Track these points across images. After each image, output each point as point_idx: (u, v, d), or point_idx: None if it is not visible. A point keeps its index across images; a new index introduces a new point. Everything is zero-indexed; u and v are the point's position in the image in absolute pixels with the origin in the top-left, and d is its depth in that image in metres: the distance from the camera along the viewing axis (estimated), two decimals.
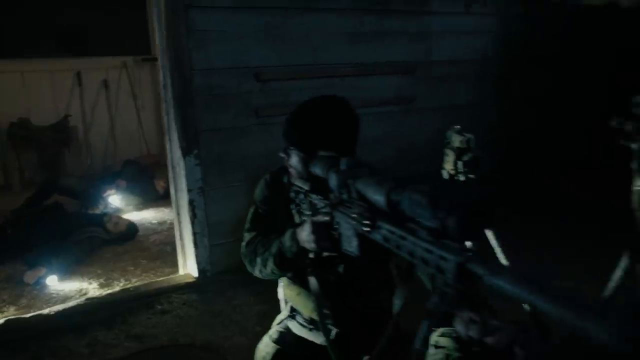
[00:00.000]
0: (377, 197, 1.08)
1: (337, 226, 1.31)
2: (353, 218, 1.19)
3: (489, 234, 2.20)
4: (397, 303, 1.36)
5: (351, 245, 1.26)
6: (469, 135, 2.10)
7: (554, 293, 0.68)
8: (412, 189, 0.95)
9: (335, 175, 1.27)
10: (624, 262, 2.11)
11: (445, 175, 2.16)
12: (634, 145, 2.01)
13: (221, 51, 3.03)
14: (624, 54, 5.06)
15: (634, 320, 0.58)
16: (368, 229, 1.12)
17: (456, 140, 2.12)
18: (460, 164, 2.08)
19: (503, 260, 2.24)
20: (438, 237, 0.90)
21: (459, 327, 1.04)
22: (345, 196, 1.25)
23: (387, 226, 1.05)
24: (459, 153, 2.10)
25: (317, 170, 1.38)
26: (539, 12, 4.67)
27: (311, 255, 1.51)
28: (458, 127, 2.15)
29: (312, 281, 1.51)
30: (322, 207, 1.41)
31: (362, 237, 1.19)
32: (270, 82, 3.23)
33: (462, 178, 2.09)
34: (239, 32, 3.06)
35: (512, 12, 4.47)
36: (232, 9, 3.02)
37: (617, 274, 2.11)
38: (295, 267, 1.58)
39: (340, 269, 1.58)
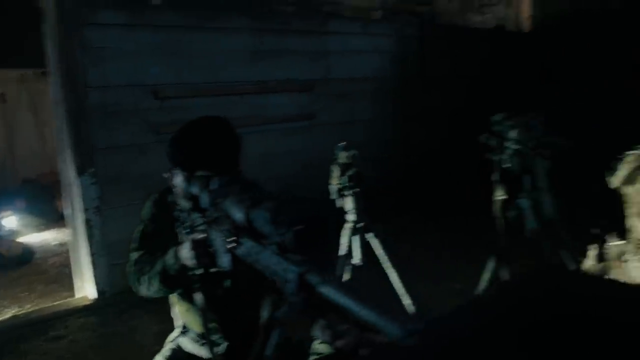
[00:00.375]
0: (238, 216, 1.15)
1: (212, 243, 1.38)
2: (221, 235, 1.26)
3: (375, 243, 2.35)
4: (263, 315, 1.43)
5: (223, 260, 1.33)
6: (353, 151, 2.24)
7: (363, 300, 0.79)
8: (262, 207, 1.04)
9: (206, 194, 1.34)
10: (490, 265, 2.33)
11: (332, 190, 2.28)
12: (495, 158, 2.24)
13: (118, 68, 3.01)
14: (512, 72, 5.53)
15: (414, 319, 0.70)
16: (234, 244, 1.19)
17: (342, 156, 2.25)
18: (344, 178, 2.22)
19: (389, 268, 2.39)
20: (284, 251, 0.99)
21: (318, 332, 1.13)
22: (217, 214, 1.32)
23: (248, 242, 1.14)
24: (344, 168, 2.23)
25: (194, 190, 1.44)
26: (433, 33, 4.99)
27: (199, 272, 1.55)
28: (344, 143, 2.29)
29: (198, 297, 1.56)
30: (200, 225, 1.47)
31: (232, 253, 1.26)
32: (170, 100, 3.23)
33: (347, 192, 2.23)
34: (135, 50, 3.05)
35: (408, 33, 4.74)
36: (127, 27, 3.01)
37: (486, 275, 2.34)
38: (180, 284, 1.61)
39: (227, 283, 1.64)
